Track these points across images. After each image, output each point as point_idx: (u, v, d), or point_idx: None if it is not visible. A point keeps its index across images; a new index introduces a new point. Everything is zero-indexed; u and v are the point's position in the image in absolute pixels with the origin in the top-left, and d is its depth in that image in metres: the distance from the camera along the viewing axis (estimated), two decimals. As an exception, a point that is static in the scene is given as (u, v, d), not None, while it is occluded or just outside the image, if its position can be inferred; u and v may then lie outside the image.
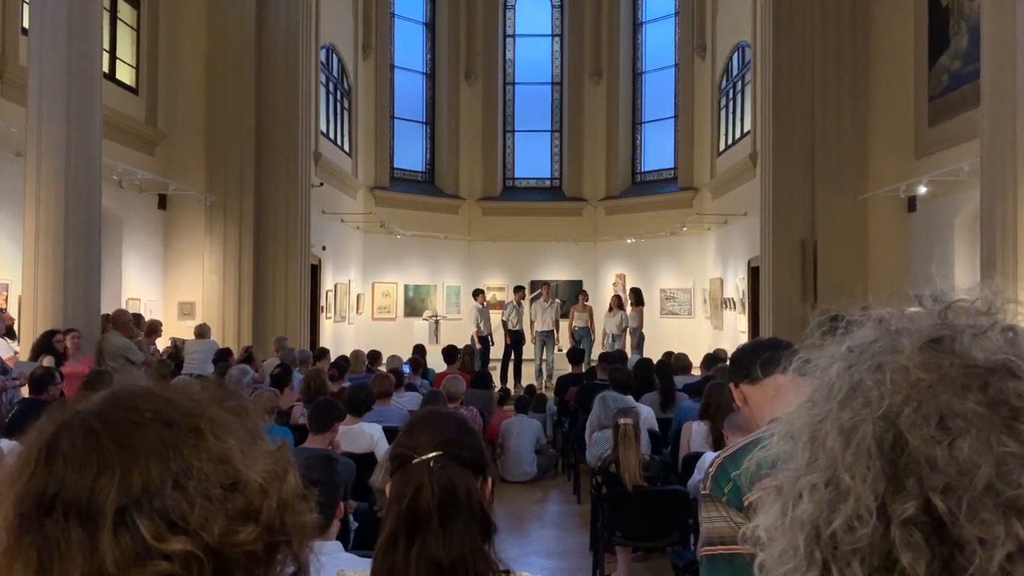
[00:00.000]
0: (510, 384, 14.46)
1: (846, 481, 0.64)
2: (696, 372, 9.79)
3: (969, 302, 0.71)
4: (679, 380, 8.56)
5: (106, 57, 10.97)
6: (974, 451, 0.61)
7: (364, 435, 5.85)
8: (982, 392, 0.63)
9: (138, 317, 10.31)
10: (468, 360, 11.19)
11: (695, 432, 5.94)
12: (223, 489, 0.76)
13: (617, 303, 15.55)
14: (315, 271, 15.00)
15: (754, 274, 14.19)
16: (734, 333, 15.56)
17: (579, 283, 19.47)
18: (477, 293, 15.61)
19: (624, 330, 15.03)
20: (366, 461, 5.24)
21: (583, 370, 11.45)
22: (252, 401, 0.92)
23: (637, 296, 15.67)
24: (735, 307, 15.94)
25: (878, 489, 0.63)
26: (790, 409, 0.76)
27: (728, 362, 5.74)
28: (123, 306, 10.84)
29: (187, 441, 0.77)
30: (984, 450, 0.61)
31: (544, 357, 15.04)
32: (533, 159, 21.70)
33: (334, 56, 17.25)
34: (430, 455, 1.63)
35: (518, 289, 15.75)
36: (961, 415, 0.62)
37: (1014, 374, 0.63)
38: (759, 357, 2.09)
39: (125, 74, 12.51)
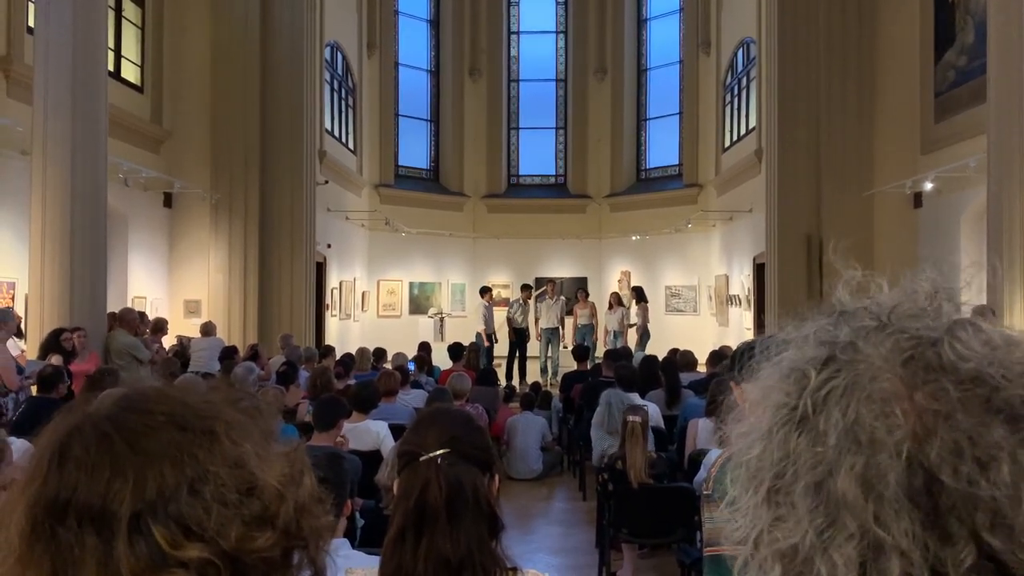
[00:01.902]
0: (515, 381, 14.47)
1: (883, 537, 0.58)
2: (701, 369, 9.78)
3: (910, 298, 0.67)
4: (684, 377, 8.55)
5: (111, 56, 11.00)
6: (1015, 477, 0.57)
7: (370, 432, 5.85)
8: (996, 412, 0.59)
9: (142, 315, 10.34)
10: (473, 357, 11.20)
11: (701, 429, 5.93)
12: (239, 494, 0.75)
13: (616, 300, 15.54)
14: (320, 269, 15.01)
15: (759, 271, 14.17)
16: (739, 330, 15.54)
17: (584, 280, 19.47)
18: (484, 291, 15.60)
19: (625, 327, 15.02)
20: (372, 459, 5.24)
21: (588, 367, 11.45)
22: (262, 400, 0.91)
23: (639, 294, 15.66)
24: (740, 304, 15.92)
25: (921, 540, 0.57)
26: (740, 443, 0.69)
27: (730, 359, 5.73)
28: (129, 304, 10.88)
29: (202, 445, 0.76)
30: (1022, 473, 0.57)
31: (549, 354, 15.05)
32: (538, 156, 21.70)
33: (338, 54, 17.26)
34: (437, 452, 1.64)
35: (525, 288, 15.75)
36: (993, 444, 0.57)
37: (1010, 380, 0.60)
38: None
39: (130, 72, 12.54)
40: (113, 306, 9.62)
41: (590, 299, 15.82)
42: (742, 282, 15.78)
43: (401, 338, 15.31)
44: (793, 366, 0.67)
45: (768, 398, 0.67)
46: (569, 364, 12.75)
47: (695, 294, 19.11)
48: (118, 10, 12.05)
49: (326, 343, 12.87)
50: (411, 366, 10.03)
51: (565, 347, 15.02)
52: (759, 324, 14.00)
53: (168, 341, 10.99)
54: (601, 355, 12.08)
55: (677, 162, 20.12)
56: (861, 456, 0.60)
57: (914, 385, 0.61)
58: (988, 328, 0.64)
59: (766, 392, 0.68)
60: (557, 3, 21.64)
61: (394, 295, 19.44)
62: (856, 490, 0.59)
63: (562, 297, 15.66)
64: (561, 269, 19.96)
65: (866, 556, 0.58)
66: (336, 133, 17.01)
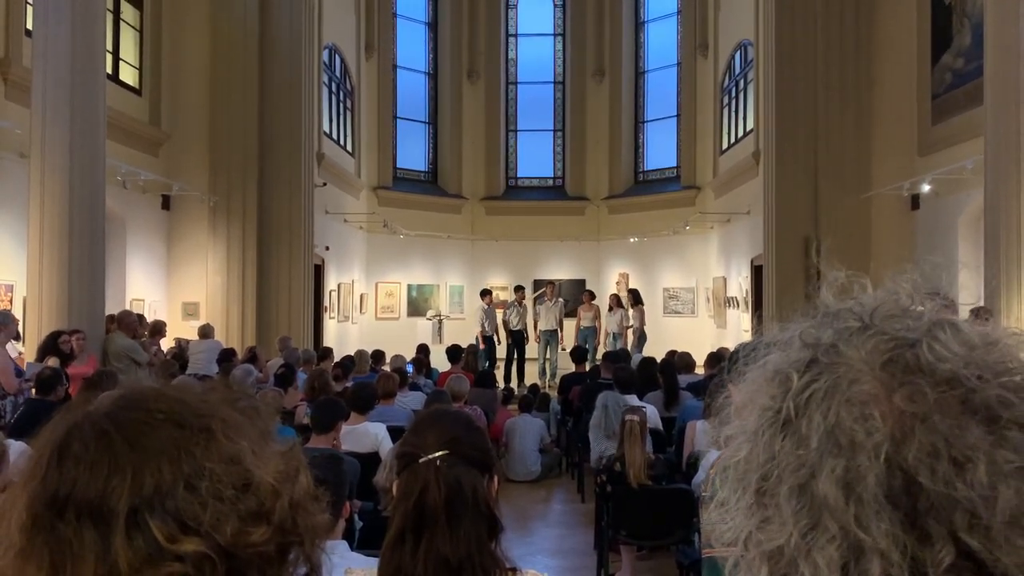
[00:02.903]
0: (513, 384, 14.46)
1: (863, 539, 0.58)
2: (700, 371, 9.79)
3: (892, 300, 0.67)
4: (683, 379, 8.56)
5: (109, 58, 10.99)
6: (991, 478, 0.57)
7: (368, 435, 5.85)
8: (974, 412, 0.59)
9: (141, 318, 10.33)
10: (472, 360, 11.20)
11: (699, 431, 5.94)
12: (235, 490, 0.76)
13: (616, 302, 15.53)
14: (318, 271, 15.01)
15: (757, 272, 14.18)
16: (737, 332, 15.55)
17: (582, 282, 19.48)
18: (484, 293, 15.59)
19: (625, 329, 15.03)
20: (370, 460, 5.25)
21: (587, 369, 11.45)
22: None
23: (636, 296, 15.66)
24: (738, 306, 15.93)
25: (901, 541, 0.57)
26: (728, 445, 0.69)
27: (728, 361, 5.75)
28: (127, 307, 10.87)
29: (198, 442, 0.77)
30: (998, 473, 0.57)
31: (548, 356, 15.04)
32: (536, 158, 21.71)
33: (337, 56, 17.27)
34: (437, 454, 1.64)
35: (518, 289, 15.73)
36: (969, 445, 0.58)
37: (986, 380, 0.60)
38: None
39: (128, 75, 12.53)
40: (111, 308, 9.61)
41: (595, 302, 15.74)
42: (740, 284, 15.79)
43: (399, 340, 15.33)
44: (777, 369, 0.67)
45: (755, 401, 0.68)
46: (568, 366, 12.75)
47: (693, 296, 19.12)
48: (116, 13, 12.05)
49: (324, 345, 12.86)
50: (409, 368, 10.03)
51: (563, 349, 15.01)
52: (757, 326, 14.00)
53: (166, 343, 10.99)
54: (600, 357, 12.09)
55: (675, 164, 20.14)
56: (841, 459, 0.60)
57: (892, 387, 0.61)
58: (967, 328, 0.64)
59: (753, 394, 0.68)
60: (555, 5, 21.66)
61: (392, 297, 19.44)
62: (837, 492, 0.60)
63: (560, 299, 15.64)
64: (559, 271, 19.97)
65: (847, 558, 0.59)
66: (334, 135, 17.02)
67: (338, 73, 17.45)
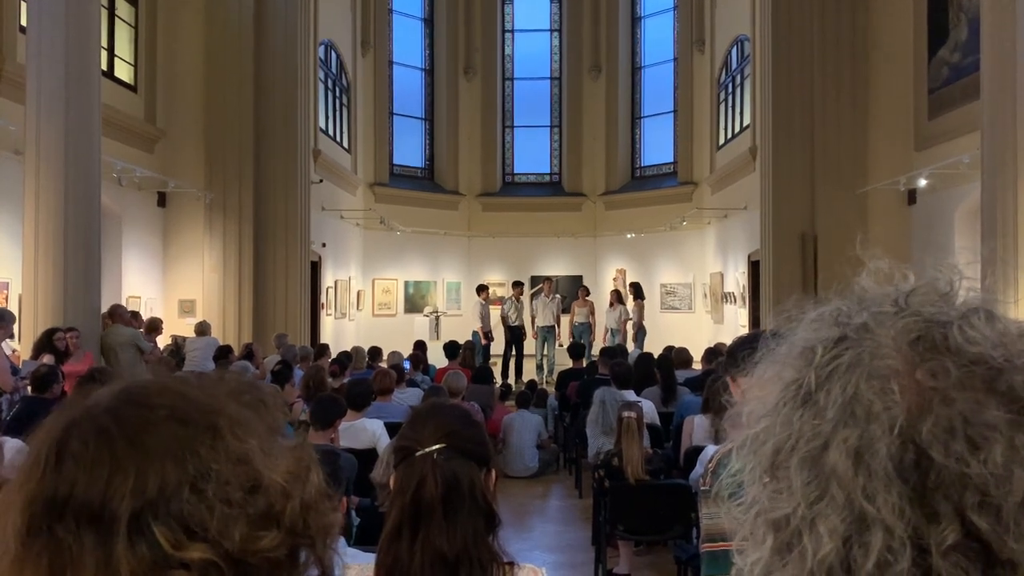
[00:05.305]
0: (511, 380, 14.46)
1: (868, 510, 0.58)
2: (697, 366, 9.79)
3: (929, 285, 0.67)
4: (680, 374, 8.56)
5: (104, 55, 10.95)
6: (1007, 459, 0.56)
7: (366, 431, 5.85)
8: (996, 393, 0.58)
9: (135, 314, 10.32)
10: (469, 356, 11.19)
11: (697, 426, 5.94)
12: (243, 492, 0.72)
13: (616, 298, 15.53)
14: (315, 268, 14.99)
15: (754, 268, 14.19)
16: (734, 327, 15.55)
17: (579, 278, 19.48)
18: (481, 289, 15.58)
19: (624, 324, 15.03)
20: (368, 457, 5.24)
21: (584, 365, 11.45)
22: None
23: (637, 290, 15.66)
24: (735, 301, 15.94)
25: (907, 516, 0.57)
26: (749, 419, 0.69)
27: (725, 354, 5.76)
28: (123, 304, 10.84)
29: (204, 441, 0.73)
30: (1015, 456, 0.56)
31: (545, 352, 15.03)
32: (532, 154, 21.69)
33: (333, 53, 17.23)
34: (433, 447, 1.63)
35: (516, 285, 15.72)
36: (987, 424, 0.57)
37: (1014, 364, 0.60)
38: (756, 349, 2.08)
39: (123, 72, 12.49)
40: (107, 306, 9.59)
41: (589, 298, 15.74)
42: (737, 279, 15.79)
43: (396, 337, 15.31)
44: (806, 344, 0.67)
45: (781, 375, 0.68)
46: (565, 362, 12.76)
47: (690, 292, 19.13)
48: (111, 9, 12.01)
49: (321, 342, 12.85)
50: (406, 365, 10.03)
51: (561, 345, 15.01)
52: (754, 321, 14.01)
53: (163, 341, 10.97)
54: (598, 353, 12.08)
55: (672, 160, 20.14)
56: (855, 430, 0.60)
57: (915, 363, 0.61)
58: (1004, 318, 0.64)
59: (780, 369, 0.68)
60: (551, 1, 21.63)
61: (389, 294, 19.42)
62: (847, 463, 0.59)
63: (558, 295, 15.64)
64: (556, 267, 19.97)
65: (851, 530, 0.58)
66: (330, 132, 16.99)
67: (334, 69, 17.42)
